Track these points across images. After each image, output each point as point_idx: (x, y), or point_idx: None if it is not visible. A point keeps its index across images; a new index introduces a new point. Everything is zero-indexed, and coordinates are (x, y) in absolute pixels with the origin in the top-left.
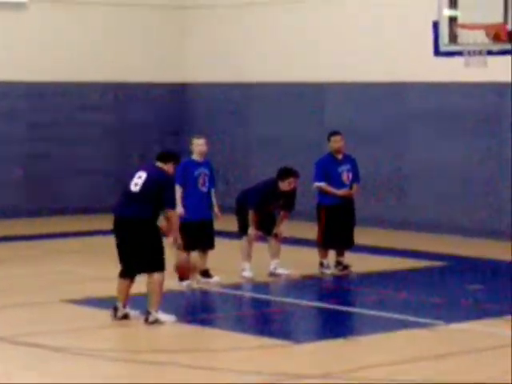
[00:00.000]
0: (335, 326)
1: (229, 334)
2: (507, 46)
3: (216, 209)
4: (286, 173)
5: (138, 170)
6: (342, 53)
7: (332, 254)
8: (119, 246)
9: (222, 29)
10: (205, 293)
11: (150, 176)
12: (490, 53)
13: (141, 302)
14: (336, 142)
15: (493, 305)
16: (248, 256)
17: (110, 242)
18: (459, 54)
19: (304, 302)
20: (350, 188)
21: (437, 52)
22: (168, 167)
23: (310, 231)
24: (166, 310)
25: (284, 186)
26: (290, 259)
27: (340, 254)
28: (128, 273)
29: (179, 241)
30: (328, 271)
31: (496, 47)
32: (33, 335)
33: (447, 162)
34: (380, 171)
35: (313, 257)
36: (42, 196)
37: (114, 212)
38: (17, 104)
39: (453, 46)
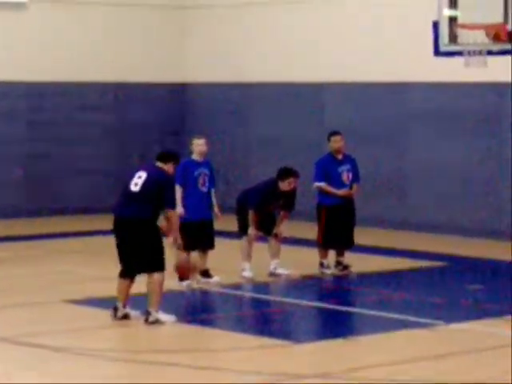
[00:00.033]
0: (335, 326)
1: (229, 334)
2: (507, 46)
3: (216, 209)
4: (286, 173)
5: (137, 170)
6: (342, 53)
7: (332, 254)
8: (119, 246)
9: (222, 29)
10: (205, 293)
11: (149, 176)
12: (490, 53)
13: (141, 302)
14: (336, 142)
15: (493, 305)
16: (248, 256)
17: (111, 241)
18: (459, 54)
19: (304, 302)
20: (350, 188)
21: (437, 52)
22: (168, 167)
23: (310, 231)
24: (166, 310)
25: (284, 186)
26: (290, 259)
27: (340, 254)
28: (128, 273)
29: (179, 241)
30: (328, 271)
31: (496, 47)
32: (33, 335)
33: (447, 162)
34: (380, 171)
35: (313, 257)
36: (42, 196)
37: (113, 212)
38: (17, 104)
39: (453, 46)
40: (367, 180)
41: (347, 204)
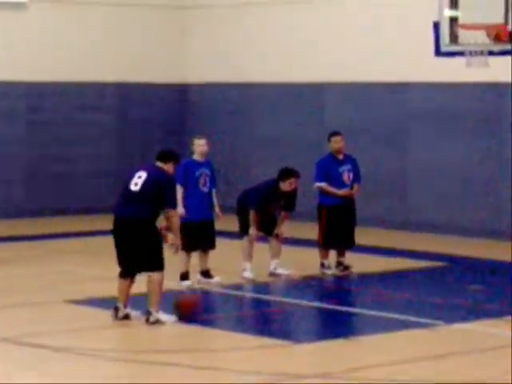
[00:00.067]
0: (335, 326)
1: (229, 334)
2: (508, 47)
3: (217, 209)
4: (287, 173)
5: (137, 170)
6: (342, 53)
7: (333, 254)
8: (118, 246)
9: (222, 29)
10: (205, 293)
11: (150, 176)
12: (490, 53)
13: (141, 302)
14: (336, 143)
15: (493, 305)
16: (249, 256)
17: (111, 242)
18: (460, 54)
19: (304, 302)
20: (351, 188)
21: (438, 52)
22: (168, 167)
23: (311, 231)
24: (167, 311)
25: (285, 186)
26: (290, 259)
27: (341, 254)
28: (128, 272)
29: (179, 241)
30: (329, 272)
31: (497, 48)
32: (33, 335)
33: (447, 162)
34: (380, 171)
35: (313, 257)
36: (42, 196)
37: (113, 212)
38: (17, 104)
39: (454, 46)
40: (367, 180)
41: (348, 204)
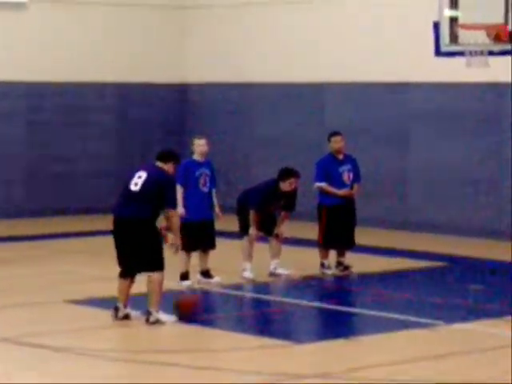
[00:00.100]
0: (336, 326)
1: (229, 334)
2: (508, 47)
3: (217, 209)
4: (287, 173)
5: (137, 170)
6: (342, 53)
7: (333, 254)
8: (118, 247)
9: (222, 29)
10: (205, 293)
11: (150, 176)
12: (491, 53)
13: (141, 302)
14: (336, 143)
15: (493, 305)
16: (249, 256)
17: (112, 242)
18: (460, 54)
19: (304, 303)
20: (351, 188)
21: (438, 52)
22: (168, 167)
23: (311, 231)
24: (167, 311)
25: (285, 186)
26: (290, 259)
27: (341, 254)
28: (128, 272)
29: (179, 241)
30: (329, 272)
31: (497, 48)
32: (34, 335)
33: (447, 162)
34: (380, 171)
35: (314, 257)
36: (43, 196)
37: (113, 212)
38: (17, 104)
39: (454, 46)
40: (368, 180)
41: (348, 204)
